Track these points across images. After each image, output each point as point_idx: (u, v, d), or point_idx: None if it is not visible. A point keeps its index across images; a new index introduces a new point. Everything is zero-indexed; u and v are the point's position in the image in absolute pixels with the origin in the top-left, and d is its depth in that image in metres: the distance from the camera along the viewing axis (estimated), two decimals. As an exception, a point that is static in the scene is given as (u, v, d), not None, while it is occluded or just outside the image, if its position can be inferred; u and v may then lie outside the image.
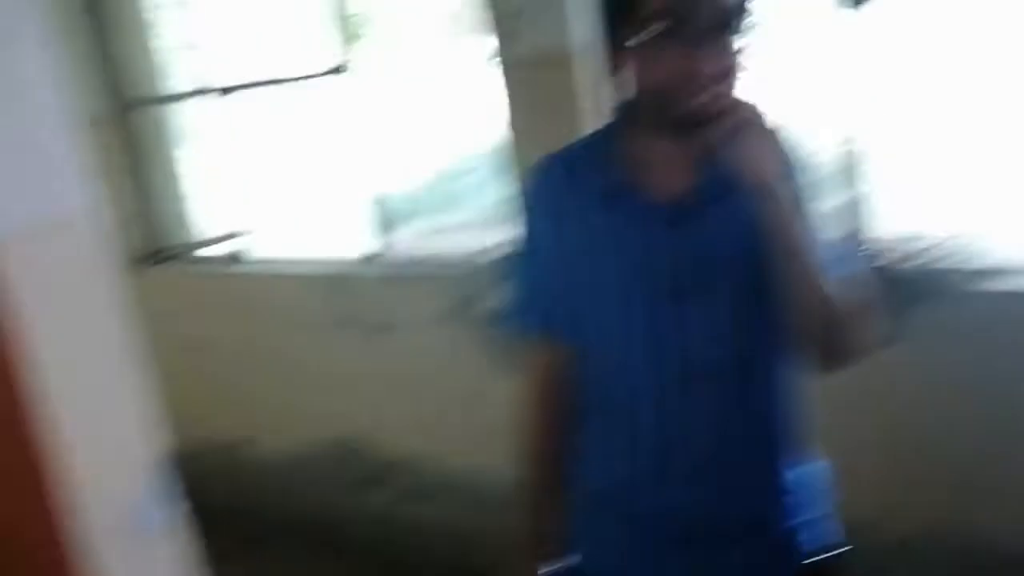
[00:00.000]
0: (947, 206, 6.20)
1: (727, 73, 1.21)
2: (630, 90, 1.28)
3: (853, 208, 2.39)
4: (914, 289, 2.25)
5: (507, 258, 1.47)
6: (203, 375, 3.73)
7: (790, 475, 1.44)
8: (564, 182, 1.38)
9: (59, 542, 0.51)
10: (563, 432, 1.49)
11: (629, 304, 1.33)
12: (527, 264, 1.44)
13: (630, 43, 1.22)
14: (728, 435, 1.37)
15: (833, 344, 1.31)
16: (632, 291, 1.33)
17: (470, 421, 2.94)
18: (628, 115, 1.35)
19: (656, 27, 1.20)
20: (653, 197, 1.32)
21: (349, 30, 3.23)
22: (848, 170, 2.39)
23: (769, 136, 1.19)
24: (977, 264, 2.27)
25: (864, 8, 2.29)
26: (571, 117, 2.44)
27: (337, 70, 3.18)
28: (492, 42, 2.70)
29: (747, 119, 1.18)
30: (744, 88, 1.22)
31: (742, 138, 1.17)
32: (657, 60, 1.21)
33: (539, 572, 1.51)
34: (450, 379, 3.03)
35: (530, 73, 2.60)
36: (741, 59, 1.21)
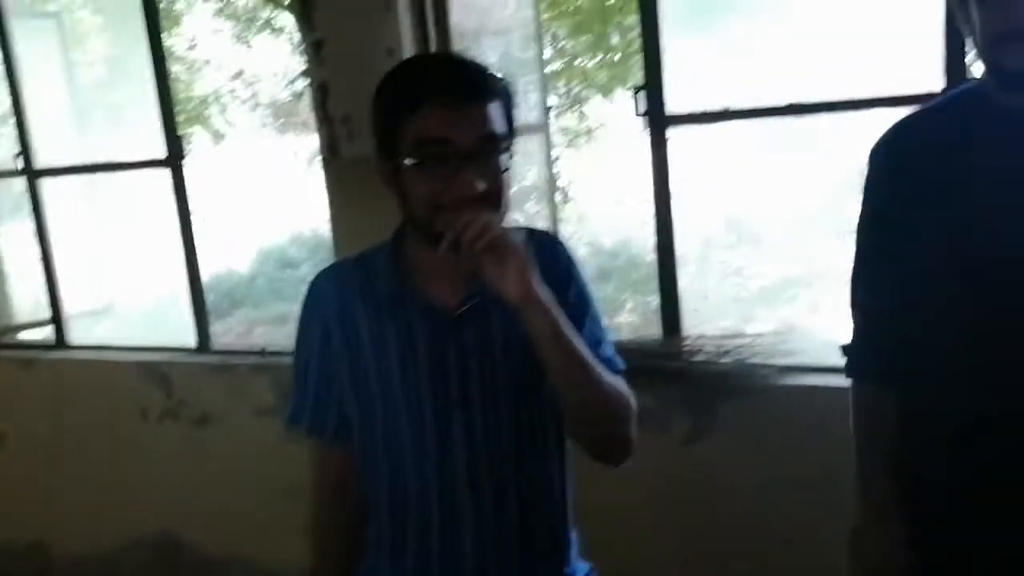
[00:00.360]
0: (752, 307, 6.70)
1: (492, 195, 1.28)
2: (403, 204, 1.34)
3: (666, 307, 2.57)
4: (722, 384, 2.43)
5: (291, 364, 1.50)
6: (11, 467, 3.51)
7: (574, 569, 1.52)
8: (347, 291, 1.42)
9: None
10: (350, 531, 1.52)
11: (415, 407, 1.39)
12: (303, 372, 1.47)
13: (401, 162, 1.29)
14: (515, 530, 1.43)
15: (605, 437, 1.40)
16: (418, 395, 1.39)
17: (292, 517, 2.89)
18: (409, 225, 1.40)
19: (420, 151, 1.27)
20: (435, 304, 1.39)
21: (182, 120, 3.23)
22: (659, 272, 2.57)
23: (523, 250, 1.26)
24: (782, 361, 2.47)
25: (673, 128, 2.51)
26: (390, 217, 2.52)
27: (168, 159, 3.16)
28: (320, 140, 2.77)
29: (501, 237, 1.24)
30: (511, 206, 1.32)
31: (497, 257, 1.24)
32: (420, 181, 1.28)
33: None
34: (272, 473, 2.98)
35: (353, 172, 2.68)
36: (506, 180, 1.30)
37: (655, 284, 2.62)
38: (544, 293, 1.28)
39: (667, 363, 2.48)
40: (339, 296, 1.42)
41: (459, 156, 1.26)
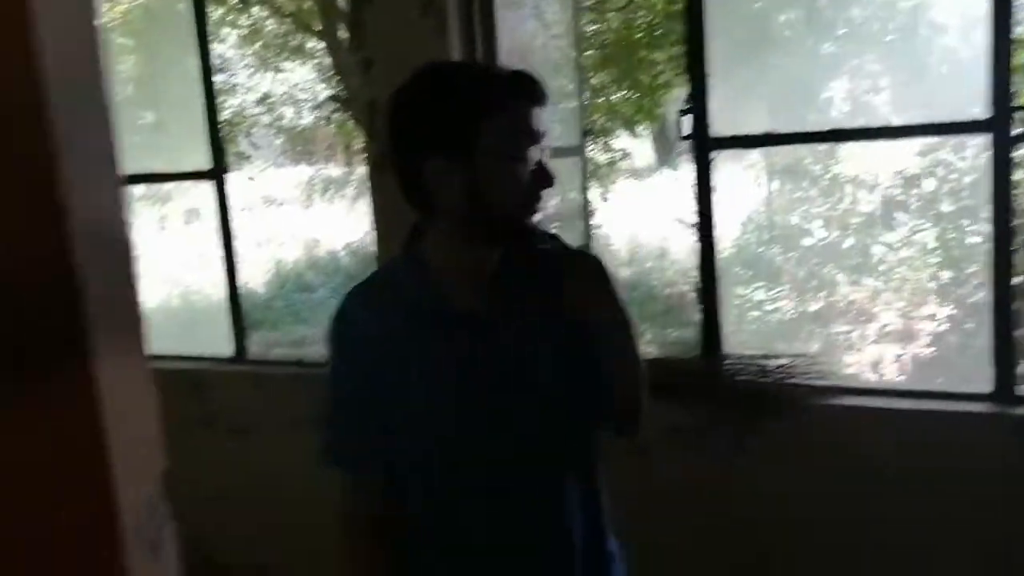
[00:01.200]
0: (795, 329, 6.70)
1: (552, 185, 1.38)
2: (462, 199, 1.34)
3: (707, 326, 2.60)
4: (763, 403, 2.46)
5: (322, 397, 1.47)
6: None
7: (612, 550, 1.54)
8: (378, 309, 1.43)
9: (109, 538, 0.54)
10: (383, 561, 1.50)
11: (462, 412, 1.41)
12: (337, 406, 1.47)
13: (494, 155, 1.32)
14: (561, 519, 1.45)
15: (634, 404, 1.45)
16: (464, 400, 1.41)
17: (325, 529, 2.90)
18: (437, 229, 1.41)
19: (521, 142, 1.33)
20: (466, 309, 1.41)
21: (223, 134, 3.28)
22: (702, 290, 2.60)
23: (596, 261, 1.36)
24: (820, 382, 2.51)
25: (716, 152, 2.56)
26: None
27: (213, 171, 3.22)
28: (367, 156, 2.82)
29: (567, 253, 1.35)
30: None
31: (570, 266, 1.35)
32: (514, 172, 1.33)
33: None
34: (306, 484, 2.99)
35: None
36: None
37: (672, 317, 2.67)
38: (612, 297, 1.37)
39: (707, 382, 2.51)
40: (370, 316, 1.43)
41: (542, 148, 1.34)
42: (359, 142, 9.63)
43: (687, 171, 2.53)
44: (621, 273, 8.98)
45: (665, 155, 10.14)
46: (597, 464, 1.52)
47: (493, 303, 1.40)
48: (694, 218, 2.60)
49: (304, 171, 12.49)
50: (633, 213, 8.99)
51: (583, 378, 1.43)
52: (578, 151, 3.17)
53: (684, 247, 7.06)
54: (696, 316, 2.61)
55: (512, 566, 1.46)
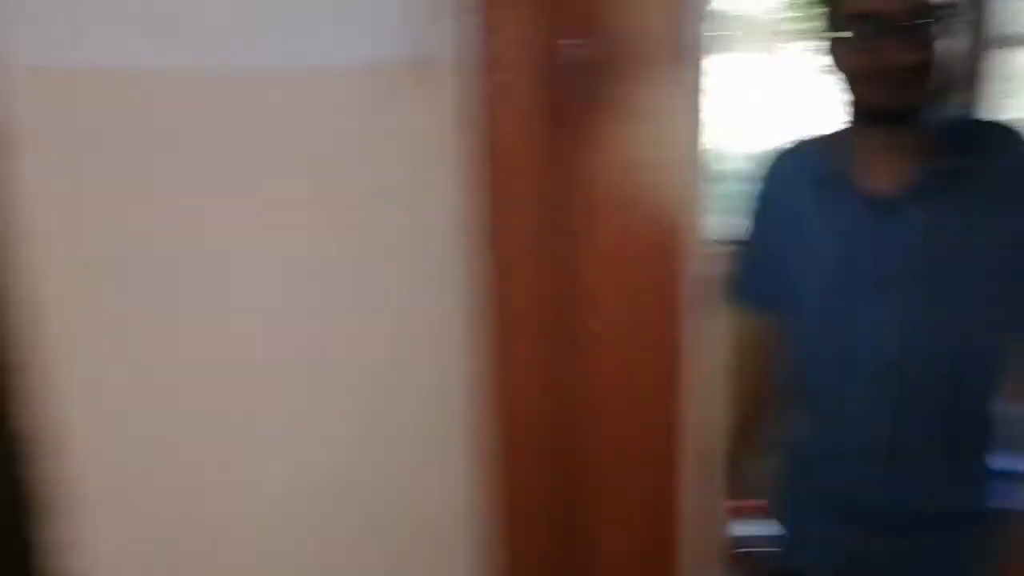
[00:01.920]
0: None
1: (919, 67, 1.26)
2: (847, 84, 1.34)
3: None
4: None
5: (739, 239, 1.53)
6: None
7: (992, 475, 1.44)
8: (796, 170, 1.45)
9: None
10: (765, 400, 1.55)
11: (842, 291, 1.38)
12: (751, 245, 1.51)
13: (841, 37, 1.30)
14: (934, 425, 1.38)
15: None
16: (845, 279, 1.38)
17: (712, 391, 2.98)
18: (853, 110, 1.39)
19: (852, 25, 1.28)
20: (871, 188, 1.37)
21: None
22: None
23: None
24: None
25: None
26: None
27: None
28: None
29: None
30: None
31: None
32: (852, 55, 1.28)
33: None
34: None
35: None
36: (940, 53, 1.26)
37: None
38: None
39: None
40: (788, 174, 1.47)
41: (883, 27, 1.25)
42: (800, 31, 9.14)
43: None
44: None
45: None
46: (990, 401, 1.41)
47: (908, 189, 1.35)
48: None
49: (732, 59, 12.16)
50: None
51: (1013, 282, 1.35)
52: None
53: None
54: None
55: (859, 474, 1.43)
